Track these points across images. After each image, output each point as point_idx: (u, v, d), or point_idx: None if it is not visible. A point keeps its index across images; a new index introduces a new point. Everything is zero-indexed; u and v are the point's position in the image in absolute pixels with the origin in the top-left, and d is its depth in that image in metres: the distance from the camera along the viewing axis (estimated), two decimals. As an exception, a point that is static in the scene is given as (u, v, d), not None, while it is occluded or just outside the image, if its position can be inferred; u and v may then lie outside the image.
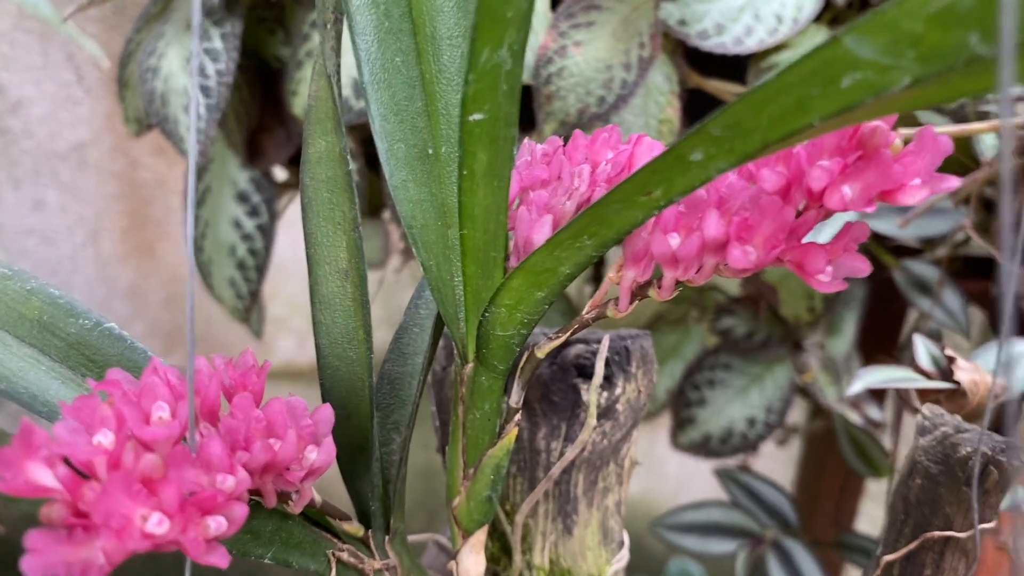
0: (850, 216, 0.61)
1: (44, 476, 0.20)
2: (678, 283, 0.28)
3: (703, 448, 0.81)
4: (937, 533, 0.36)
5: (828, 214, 0.25)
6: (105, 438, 0.21)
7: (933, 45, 0.17)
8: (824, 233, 0.55)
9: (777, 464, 1.03)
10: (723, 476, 0.75)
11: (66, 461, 0.21)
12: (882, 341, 0.84)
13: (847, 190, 0.24)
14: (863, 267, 0.25)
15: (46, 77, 1.23)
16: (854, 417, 0.80)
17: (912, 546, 0.36)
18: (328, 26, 0.29)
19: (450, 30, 0.30)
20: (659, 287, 0.28)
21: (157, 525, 0.20)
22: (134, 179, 1.34)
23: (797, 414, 0.95)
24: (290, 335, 1.48)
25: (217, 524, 0.21)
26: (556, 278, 0.27)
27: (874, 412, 0.82)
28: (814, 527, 0.90)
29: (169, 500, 0.20)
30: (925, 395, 0.45)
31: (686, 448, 0.82)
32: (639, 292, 0.29)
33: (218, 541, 0.21)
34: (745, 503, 0.72)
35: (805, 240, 0.26)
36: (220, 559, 0.21)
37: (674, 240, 0.26)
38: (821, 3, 0.61)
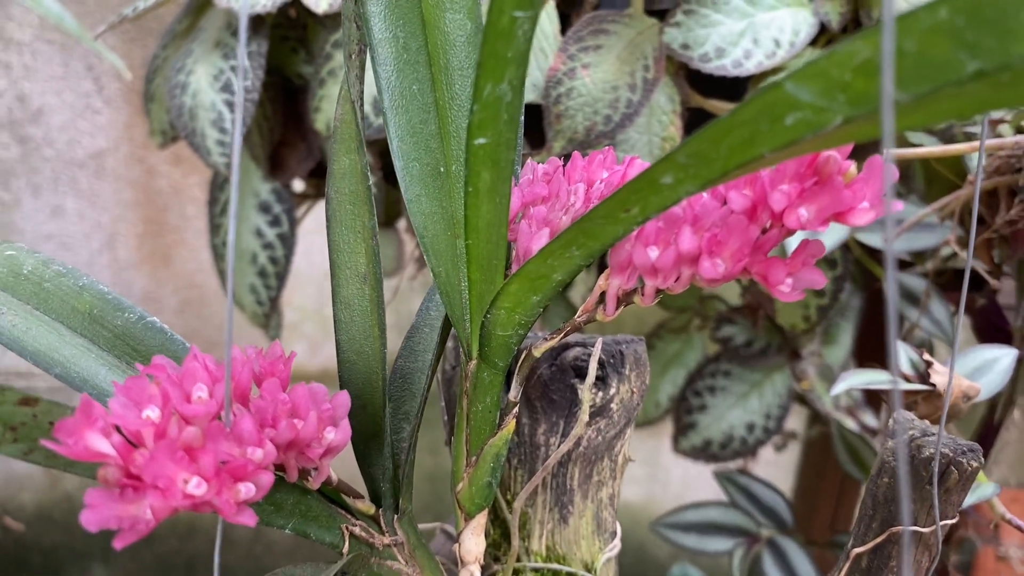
0: (844, 232, 0.64)
1: (101, 443, 0.24)
2: (659, 291, 0.31)
3: (704, 453, 0.84)
4: (902, 528, 0.38)
5: (789, 232, 0.28)
6: (153, 412, 0.25)
7: (859, 91, 0.20)
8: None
9: (777, 470, 1.05)
10: (722, 478, 0.78)
11: (118, 431, 0.25)
12: (878, 350, 0.87)
13: (803, 212, 0.27)
14: (819, 280, 0.28)
15: (67, 87, 1.28)
16: (850, 424, 0.82)
17: (879, 540, 0.39)
18: (353, 56, 0.32)
19: (461, 62, 0.33)
20: (642, 294, 0.31)
21: (196, 487, 0.24)
22: (151, 187, 1.38)
23: (797, 421, 0.97)
24: (302, 340, 1.52)
25: (247, 489, 0.24)
26: (550, 284, 0.30)
27: (870, 419, 0.85)
28: (812, 530, 0.93)
29: (207, 467, 0.24)
30: (904, 397, 0.48)
31: (687, 453, 0.85)
32: (625, 299, 0.32)
33: (247, 505, 0.25)
34: (743, 503, 0.75)
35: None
36: (248, 519, 0.24)
37: (653, 252, 0.29)
38: (817, 28, 0.64)
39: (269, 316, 0.87)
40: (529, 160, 0.38)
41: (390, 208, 0.85)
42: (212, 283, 1.37)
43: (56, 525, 1.34)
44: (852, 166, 0.28)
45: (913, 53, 0.19)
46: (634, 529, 1.09)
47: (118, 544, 0.23)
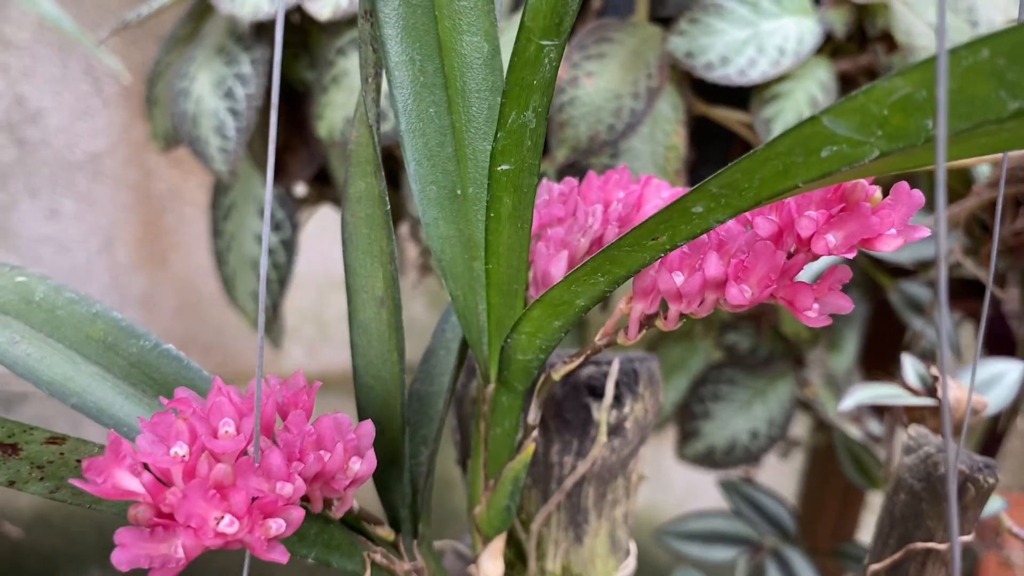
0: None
1: (130, 482, 0.24)
2: (682, 315, 0.31)
3: (707, 460, 0.84)
4: (919, 545, 0.38)
5: (815, 257, 0.28)
6: (181, 449, 0.24)
7: (897, 127, 0.20)
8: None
9: (780, 477, 1.05)
10: (726, 486, 0.78)
11: (147, 468, 0.24)
12: (882, 358, 0.87)
13: (831, 238, 0.27)
14: (846, 305, 0.28)
15: (65, 88, 1.27)
16: (854, 432, 0.82)
17: (896, 557, 0.39)
18: (369, 80, 0.32)
19: (478, 84, 0.33)
20: (665, 319, 0.31)
21: (228, 525, 0.23)
22: (149, 190, 1.37)
23: (801, 428, 0.98)
24: (300, 344, 1.51)
25: (278, 525, 0.24)
26: (572, 309, 0.30)
27: (874, 427, 0.85)
28: (816, 538, 0.93)
29: (238, 504, 0.24)
30: (912, 411, 0.47)
31: (691, 460, 0.85)
32: (647, 322, 0.32)
33: (278, 540, 0.25)
34: (747, 513, 0.75)
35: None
36: (280, 556, 0.24)
37: (678, 278, 0.29)
38: (822, 37, 0.64)
39: (271, 322, 0.87)
40: (544, 179, 0.38)
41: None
42: (210, 286, 1.36)
43: (54, 530, 1.33)
44: (878, 191, 0.27)
45: (954, 91, 0.19)
46: (637, 534, 1.09)
47: (149, 584, 0.23)
